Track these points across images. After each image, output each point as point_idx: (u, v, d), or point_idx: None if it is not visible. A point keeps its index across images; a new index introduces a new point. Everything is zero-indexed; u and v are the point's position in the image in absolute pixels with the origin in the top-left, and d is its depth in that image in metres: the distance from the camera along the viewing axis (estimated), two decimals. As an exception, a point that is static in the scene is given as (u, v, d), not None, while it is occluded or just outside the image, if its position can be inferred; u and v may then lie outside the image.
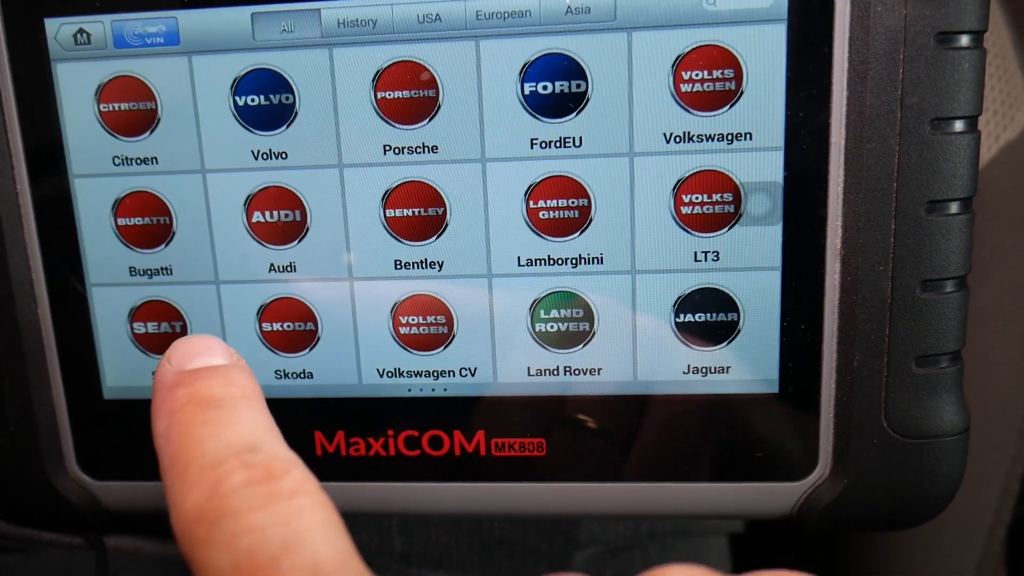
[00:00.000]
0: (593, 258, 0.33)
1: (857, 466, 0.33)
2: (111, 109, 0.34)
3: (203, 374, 0.27)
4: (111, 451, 0.37)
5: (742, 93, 0.31)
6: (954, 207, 0.31)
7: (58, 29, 0.33)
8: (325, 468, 0.35)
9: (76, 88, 0.34)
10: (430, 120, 0.33)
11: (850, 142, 0.31)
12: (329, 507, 0.24)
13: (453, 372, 0.35)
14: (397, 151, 0.33)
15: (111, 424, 0.37)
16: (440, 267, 0.34)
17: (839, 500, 0.34)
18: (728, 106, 0.32)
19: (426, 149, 0.33)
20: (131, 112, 0.34)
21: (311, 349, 0.35)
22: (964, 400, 0.33)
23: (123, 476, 0.37)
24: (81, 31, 0.33)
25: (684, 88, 0.32)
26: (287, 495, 0.23)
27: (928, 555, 0.52)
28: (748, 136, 0.32)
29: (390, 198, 0.34)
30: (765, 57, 0.31)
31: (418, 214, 0.34)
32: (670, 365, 0.34)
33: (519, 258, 0.34)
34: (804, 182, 0.32)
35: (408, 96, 0.33)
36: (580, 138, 0.32)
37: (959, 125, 0.31)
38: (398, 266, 0.34)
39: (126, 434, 0.37)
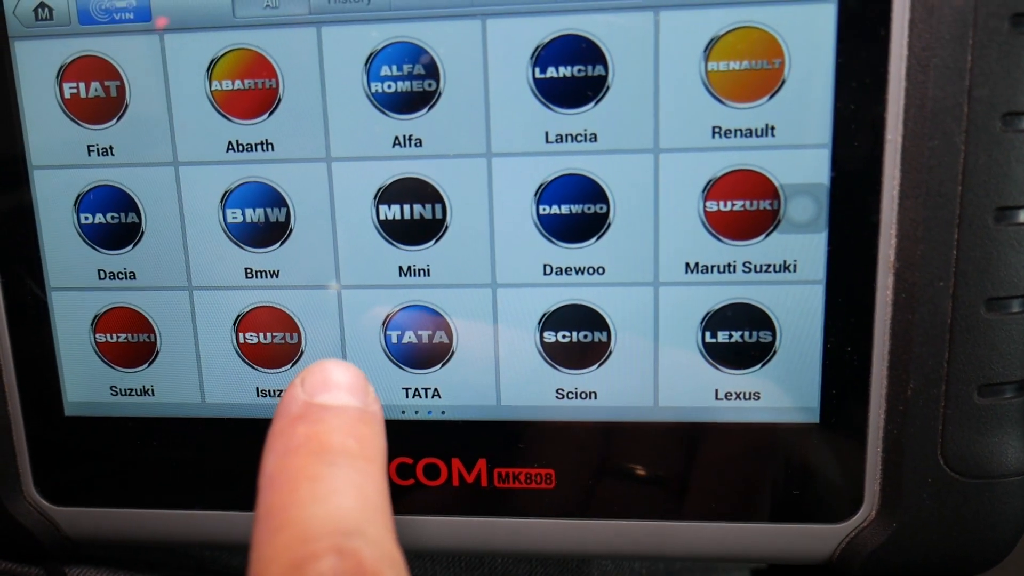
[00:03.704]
0: (611, 267, 0.31)
1: (908, 507, 0.31)
2: (75, 93, 0.32)
3: (330, 415, 0.25)
4: (73, 474, 0.35)
5: (784, 82, 0.29)
6: (1027, 215, 0.29)
7: (17, 3, 0.31)
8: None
9: (37, 69, 0.31)
10: (429, 109, 0.30)
11: (908, 139, 0.28)
12: None
13: (452, 392, 0.32)
14: (392, 143, 0.30)
15: (73, 444, 0.35)
16: (439, 275, 0.31)
17: (886, 545, 0.31)
18: (768, 97, 0.29)
19: (424, 142, 0.30)
20: (97, 97, 0.31)
21: (293, 364, 0.33)
22: (1031, 436, 0.31)
23: (86, 502, 0.35)
24: (42, 5, 0.31)
25: (717, 76, 0.29)
26: None
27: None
28: (790, 132, 0.29)
29: (384, 196, 0.31)
30: (811, 41, 0.28)
31: (415, 215, 0.31)
32: (696, 389, 0.32)
33: (527, 266, 0.31)
34: (854, 184, 0.29)
35: (405, 82, 0.30)
36: (596, 133, 0.30)
37: (1034, 121, 0.28)
38: (392, 273, 0.32)
39: (89, 455, 0.35)
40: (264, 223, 0.32)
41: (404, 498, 0.33)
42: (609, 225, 0.30)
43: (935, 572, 0.32)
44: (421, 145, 0.30)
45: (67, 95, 0.31)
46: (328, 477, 0.23)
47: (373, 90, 0.30)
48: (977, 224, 0.28)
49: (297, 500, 0.23)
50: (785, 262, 0.30)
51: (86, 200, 0.32)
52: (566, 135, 0.30)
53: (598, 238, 0.30)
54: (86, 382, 0.34)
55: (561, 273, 0.31)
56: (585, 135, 0.30)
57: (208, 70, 0.31)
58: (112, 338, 0.33)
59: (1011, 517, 0.31)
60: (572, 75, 0.29)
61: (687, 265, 0.30)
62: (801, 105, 0.28)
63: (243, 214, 0.32)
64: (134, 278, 0.33)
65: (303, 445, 0.24)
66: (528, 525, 0.33)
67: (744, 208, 0.30)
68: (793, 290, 0.30)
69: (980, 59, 0.27)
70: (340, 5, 0.30)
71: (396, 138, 0.30)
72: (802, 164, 0.29)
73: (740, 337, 0.31)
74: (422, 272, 0.31)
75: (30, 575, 0.36)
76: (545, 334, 0.31)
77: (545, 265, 0.31)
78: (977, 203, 0.28)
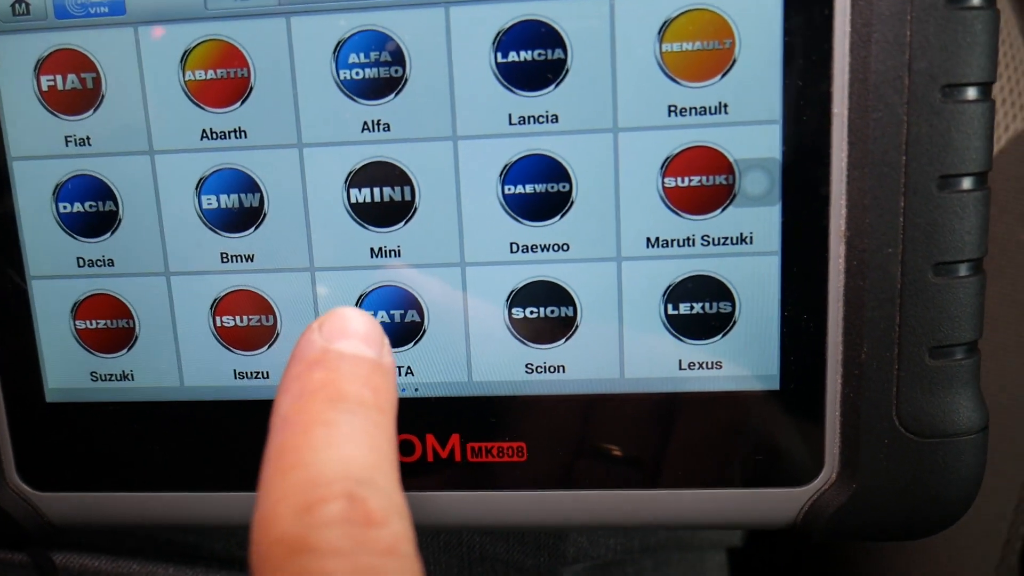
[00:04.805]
0: (575, 244, 0.31)
1: (866, 469, 0.31)
2: (52, 86, 0.32)
3: (347, 363, 0.25)
4: (55, 459, 0.35)
5: (735, 62, 0.29)
6: (968, 182, 0.29)
7: (-7, -1, 0.31)
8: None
9: (15, 63, 0.32)
10: (396, 94, 0.31)
11: (854, 113, 0.29)
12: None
13: (424, 369, 0.33)
14: (361, 128, 0.31)
15: (54, 430, 0.35)
16: (409, 256, 0.32)
17: (847, 506, 0.32)
18: (720, 76, 0.30)
19: (392, 126, 0.31)
20: (73, 89, 0.32)
21: (269, 346, 0.33)
22: (982, 396, 0.32)
23: (69, 487, 0.35)
24: (19, 0, 0.31)
25: (672, 57, 0.30)
26: (378, 550, 0.21)
27: (940, 568, 0.49)
28: (741, 108, 0.30)
29: (355, 180, 0.32)
30: (760, 21, 0.29)
31: (385, 198, 0.32)
32: (660, 361, 0.32)
33: (494, 245, 0.32)
34: (804, 157, 0.30)
35: (372, 68, 0.31)
36: (557, 114, 0.30)
37: (972, 92, 0.29)
38: (364, 254, 0.32)
39: (71, 440, 0.35)
40: (239, 208, 0.32)
41: (381, 475, 0.34)
42: (572, 203, 0.31)
43: (895, 532, 0.33)
44: (389, 129, 0.31)
45: (44, 88, 0.32)
46: (342, 424, 0.24)
47: (342, 77, 0.31)
48: (921, 192, 0.29)
49: (310, 443, 0.23)
50: (742, 234, 0.31)
51: (64, 190, 0.33)
52: (528, 117, 0.30)
53: (562, 216, 0.31)
54: (66, 368, 0.34)
55: (527, 251, 0.31)
56: (547, 116, 0.30)
57: (181, 61, 0.31)
58: (91, 324, 0.34)
59: (965, 476, 0.31)
60: (533, 59, 0.30)
61: (648, 240, 0.31)
62: (752, 83, 0.29)
63: (218, 200, 0.32)
64: (112, 265, 0.33)
65: (319, 390, 0.24)
66: (502, 498, 0.33)
67: (701, 183, 0.30)
68: (750, 261, 0.31)
69: (918, 33, 0.28)
70: (308, -5, 0.30)
71: (365, 123, 0.31)
72: (755, 139, 0.30)
73: (701, 308, 0.31)
74: (393, 253, 0.32)
75: (14, 561, 0.36)
76: (513, 310, 0.32)
77: (512, 243, 0.31)
78: (921, 172, 0.29)
